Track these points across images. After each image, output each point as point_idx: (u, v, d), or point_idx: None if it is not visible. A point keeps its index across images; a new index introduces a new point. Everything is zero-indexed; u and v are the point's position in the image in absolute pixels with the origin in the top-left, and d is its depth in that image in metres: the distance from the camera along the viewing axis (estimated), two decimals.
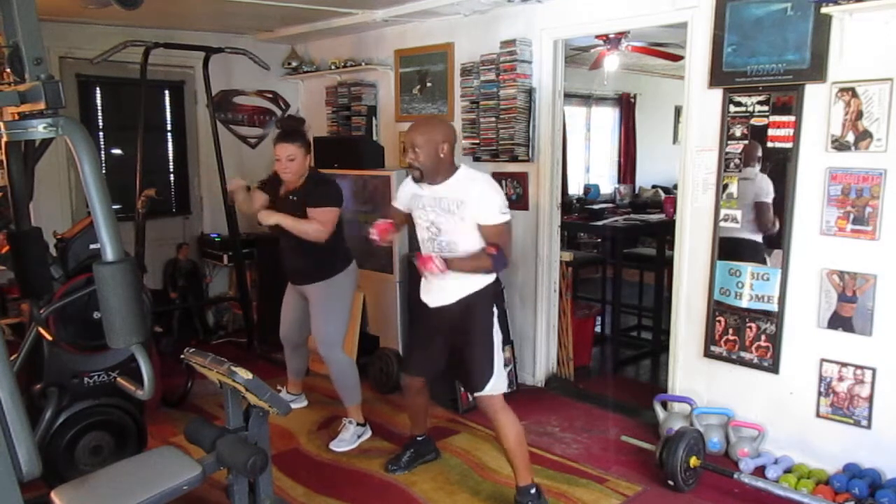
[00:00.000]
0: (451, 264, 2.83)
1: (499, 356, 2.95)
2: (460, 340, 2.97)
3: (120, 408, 3.11)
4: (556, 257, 4.46)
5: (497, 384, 2.92)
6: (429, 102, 4.95)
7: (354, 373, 3.73)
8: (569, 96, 6.36)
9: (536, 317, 4.46)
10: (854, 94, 3.01)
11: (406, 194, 3.11)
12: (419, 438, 3.45)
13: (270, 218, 3.44)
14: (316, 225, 3.44)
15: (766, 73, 3.26)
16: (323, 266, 3.60)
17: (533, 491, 2.97)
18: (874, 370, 3.09)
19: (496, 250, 2.81)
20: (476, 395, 2.95)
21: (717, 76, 3.44)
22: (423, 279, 3.06)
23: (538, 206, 4.36)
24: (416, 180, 2.96)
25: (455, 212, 2.87)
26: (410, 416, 3.50)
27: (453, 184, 2.91)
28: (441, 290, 2.97)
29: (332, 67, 5.52)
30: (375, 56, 5.28)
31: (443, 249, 2.92)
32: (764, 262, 3.37)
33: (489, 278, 2.96)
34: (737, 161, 3.42)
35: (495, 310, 2.97)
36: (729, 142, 3.44)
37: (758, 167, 3.35)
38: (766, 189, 3.34)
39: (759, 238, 3.38)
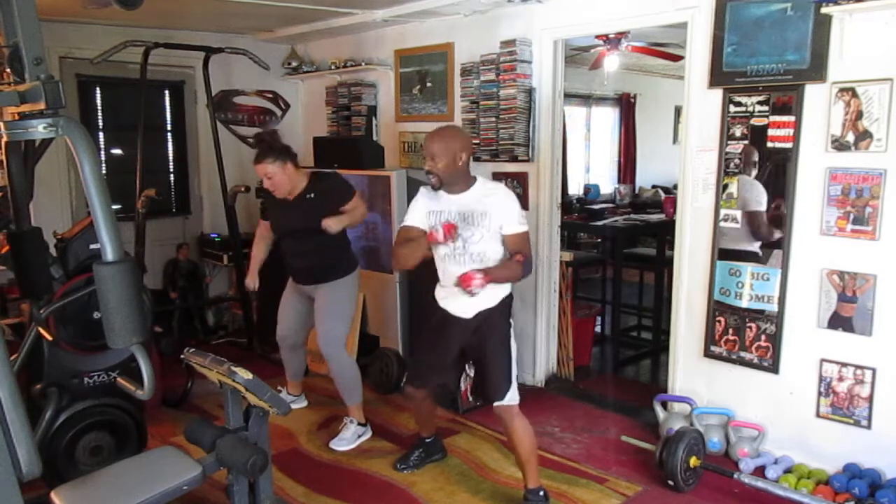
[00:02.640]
0: (490, 274, 2.82)
1: (515, 367, 2.98)
2: (481, 351, 2.98)
3: (120, 408, 3.11)
4: (556, 257, 4.46)
5: (514, 394, 2.94)
6: (429, 102, 4.95)
7: (356, 372, 3.74)
8: (569, 96, 6.36)
9: (536, 317, 4.46)
10: (854, 94, 3.00)
11: (420, 212, 3.02)
12: (427, 440, 3.46)
13: (339, 224, 3.50)
14: (360, 209, 3.63)
15: (766, 73, 3.26)
16: (337, 265, 3.66)
17: (542, 493, 3.00)
18: (874, 370, 3.09)
19: (523, 259, 2.88)
20: (495, 404, 2.94)
21: (717, 76, 3.44)
22: (437, 285, 3.08)
23: (538, 206, 4.36)
24: (435, 188, 2.96)
25: (481, 223, 2.89)
26: (417, 420, 3.52)
27: (475, 195, 2.93)
28: (468, 301, 2.92)
29: (332, 67, 5.52)
30: (375, 56, 5.28)
31: (473, 261, 2.90)
32: (763, 262, 3.38)
33: (506, 290, 3.00)
34: (737, 161, 3.42)
35: (512, 321, 3.03)
36: (729, 142, 3.44)
37: (754, 172, 3.35)
38: (757, 197, 3.34)
39: (755, 248, 3.39)
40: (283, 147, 3.56)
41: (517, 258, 2.88)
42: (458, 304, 2.97)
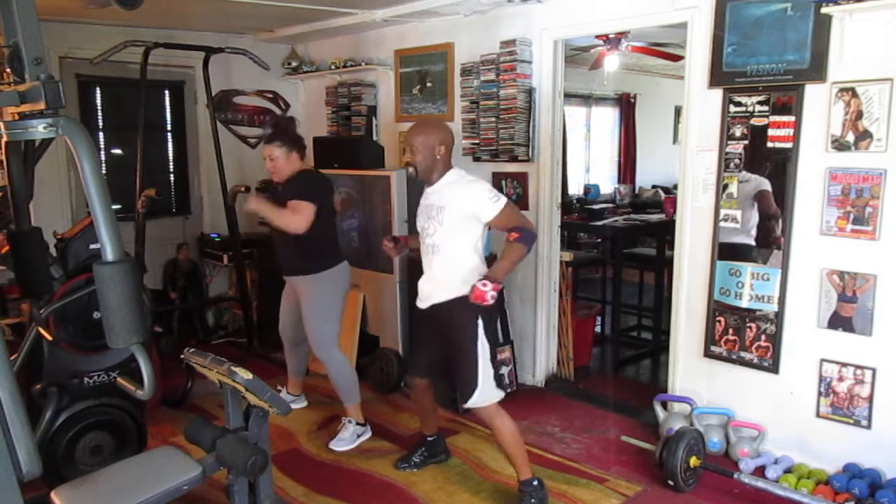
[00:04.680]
0: (496, 278, 2.77)
1: (485, 368, 2.90)
2: (448, 348, 3.01)
3: (120, 408, 3.11)
4: (556, 257, 4.45)
5: (482, 396, 2.90)
6: (429, 102, 4.95)
7: (352, 372, 3.74)
8: (569, 96, 6.36)
9: (536, 317, 4.46)
10: (854, 94, 3.00)
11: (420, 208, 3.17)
12: (430, 438, 3.46)
13: (252, 204, 3.43)
14: (290, 216, 3.42)
15: (766, 73, 3.26)
16: (308, 259, 3.59)
17: (535, 483, 3.01)
18: (874, 370, 3.09)
19: (518, 234, 2.81)
20: (465, 406, 2.97)
21: (717, 76, 3.44)
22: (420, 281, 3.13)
23: (538, 206, 4.36)
24: (412, 178, 3.08)
25: (435, 217, 2.96)
26: (419, 416, 3.52)
27: (439, 189, 3.00)
28: (428, 291, 3.06)
29: (332, 67, 5.52)
30: (375, 56, 5.28)
31: (430, 251, 3.01)
32: (764, 262, 3.38)
33: (466, 288, 2.86)
34: (737, 161, 3.42)
35: (480, 321, 2.90)
36: (729, 142, 3.44)
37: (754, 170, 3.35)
38: (762, 182, 3.35)
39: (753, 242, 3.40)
40: (295, 136, 3.62)
41: (510, 236, 2.82)
42: (422, 295, 3.09)
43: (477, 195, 2.89)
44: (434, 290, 3.02)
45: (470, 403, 2.93)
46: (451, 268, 2.96)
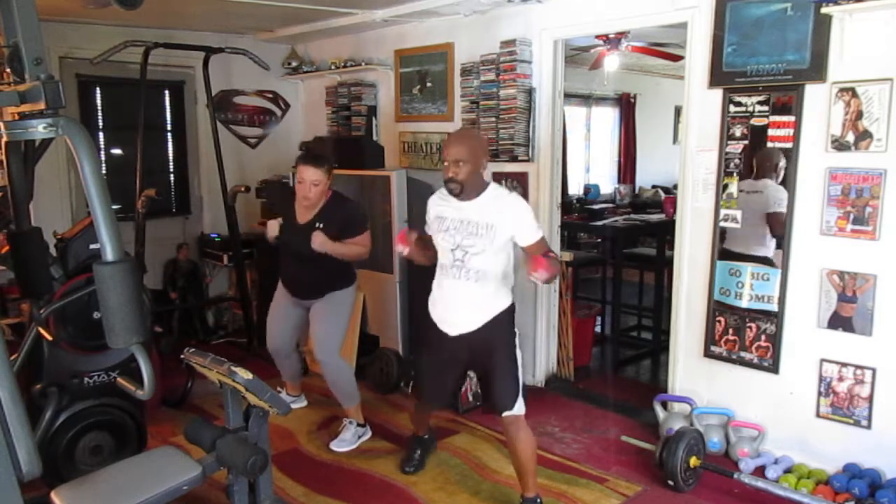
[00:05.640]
0: (550, 270, 2.62)
1: (522, 376, 2.92)
2: (487, 363, 2.92)
3: (120, 408, 3.11)
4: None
5: (522, 402, 2.90)
6: (429, 102, 4.95)
7: (351, 376, 3.73)
8: (569, 96, 6.36)
9: (536, 317, 4.46)
10: (854, 94, 3.01)
11: (432, 217, 2.98)
12: (424, 437, 3.49)
13: (319, 243, 3.36)
14: (362, 248, 3.55)
15: (766, 73, 3.26)
16: (338, 279, 3.65)
17: (539, 501, 2.99)
18: (874, 370, 3.09)
19: (552, 255, 2.78)
20: (504, 414, 2.87)
21: (717, 76, 3.44)
22: (434, 303, 2.99)
23: (538, 206, 4.35)
24: (455, 195, 2.82)
25: (484, 235, 2.78)
26: (415, 422, 3.51)
27: (483, 205, 2.82)
28: (465, 317, 2.89)
29: (332, 67, 5.52)
30: (375, 56, 5.28)
31: (469, 275, 2.83)
32: (764, 262, 3.38)
33: (507, 302, 2.92)
34: (737, 161, 3.42)
35: (517, 329, 2.95)
36: (729, 142, 3.44)
37: (774, 178, 3.31)
38: (779, 198, 3.30)
39: (764, 253, 3.38)
40: (331, 161, 3.57)
41: (548, 253, 2.77)
42: (454, 321, 2.90)
43: (526, 221, 2.80)
44: (473, 314, 2.87)
45: (515, 410, 2.85)
46: (490, 287, 2.85)
